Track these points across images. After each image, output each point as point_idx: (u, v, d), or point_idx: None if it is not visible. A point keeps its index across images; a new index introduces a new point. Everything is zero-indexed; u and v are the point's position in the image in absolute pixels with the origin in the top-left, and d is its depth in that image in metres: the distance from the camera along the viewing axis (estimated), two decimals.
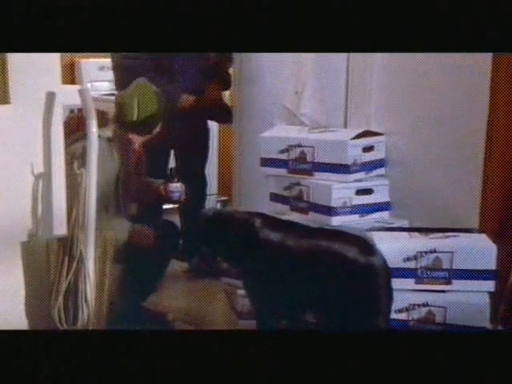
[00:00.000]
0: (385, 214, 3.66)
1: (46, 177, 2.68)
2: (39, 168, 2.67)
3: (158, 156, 4.33)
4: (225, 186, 5.15)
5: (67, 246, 2.73)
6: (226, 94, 4.72)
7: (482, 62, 3.27)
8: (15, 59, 2.52)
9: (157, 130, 3.63)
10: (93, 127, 2.66)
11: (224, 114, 4.47)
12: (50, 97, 2.63)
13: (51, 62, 2.66)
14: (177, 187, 3.77)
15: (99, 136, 2.79)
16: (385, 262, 2.76)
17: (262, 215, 2.98)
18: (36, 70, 2.61)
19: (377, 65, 3.75)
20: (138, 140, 3.61)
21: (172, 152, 4.55)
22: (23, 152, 2.64)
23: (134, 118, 3.46)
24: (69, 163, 2.73)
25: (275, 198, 3.79)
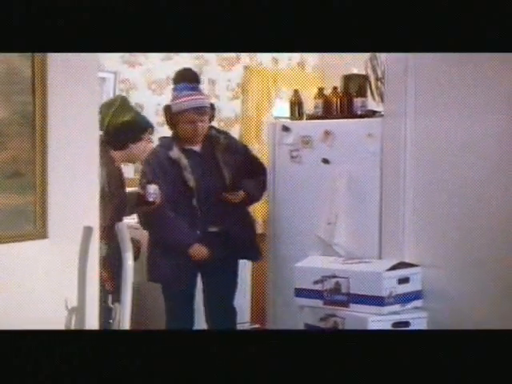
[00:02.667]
0: None
1: (79, 311, 2.67)
2: (73, 302, 2.67)
3: (186, 275, 4.22)
4: (258, 313, 5.11)
5: None
6: None
7: None
8: (54, 194, 2.57)
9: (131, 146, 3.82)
10: (129, 260, 2.67)
11: (253, 252, 4.40)
12: (87, 231, 2.65)
13: (89, 195, 2.71)
14: (154, 189, 3.92)
15: None
16: None
17: None
18: (74, 205, 2.65)
19: (409, 196, 3.80)
20: (115, 155, 3.79)
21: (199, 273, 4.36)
22: (58, 286, 2.65)
23: (104, 126, 3.61)
24: (103, 297, 2.74)
25: (310, 328, 3.76)
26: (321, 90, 4.37)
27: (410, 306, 3.65)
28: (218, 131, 4.40)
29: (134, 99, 5.12)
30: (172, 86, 4.24)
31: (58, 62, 2.48)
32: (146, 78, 5.22)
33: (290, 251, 4.19)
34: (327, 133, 4.11)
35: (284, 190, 4.26)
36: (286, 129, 4.29)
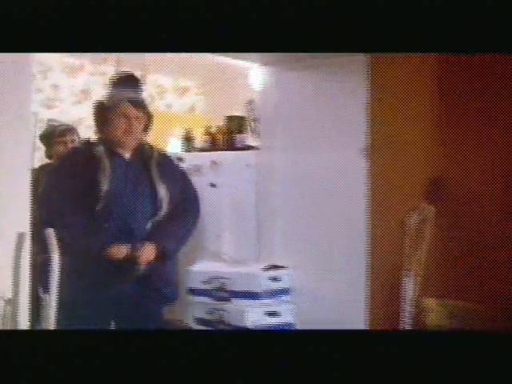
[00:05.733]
0: None
1: (13, 302, 2.73)
2: (8, 294, 2.73)
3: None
4: None
5: None
6: None
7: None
8: None
9: None
10: (55, 259, 2.77)
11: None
12: (20, 236, 2.70)
13: (22, 203, 2.73)
14: None
15: None
16: None
17: None
18: (8, 212, 2.67)
19: (279, 212, 4.18)
20: None
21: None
22: None
23: None
24: (35, 288, 2.87)
25: (199, 322, 4.02)
26: (208, 128, 4.68)
27: (280, 299, 3.94)
28: (152, 147, 3.45)
29: None
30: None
31: None
32: (60, 119, 5.45)
33: (185, 258, 4.27)
34: (213, 162, 4.39)
35: None
36: (180, 159, 4.46)
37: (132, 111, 3.25)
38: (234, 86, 5.06)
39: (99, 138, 3.32)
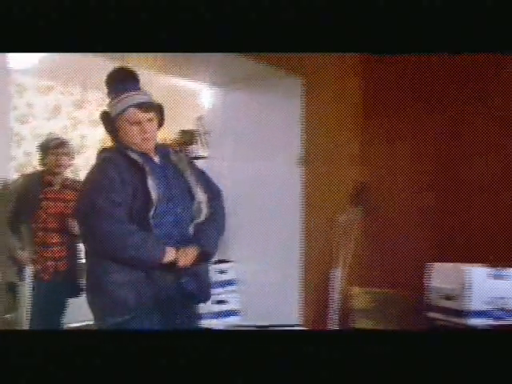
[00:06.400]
0: (236, 319, 3.92)
1: None
2: None
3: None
4: None
5: None
6: None
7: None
8: None
9: None
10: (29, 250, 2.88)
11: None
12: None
13: None
14: None
15: None
16: None
17: None
18: None
19: (226, 212, 4.19)
20: None
21: None
22: None
23: None
24: (11, 277, 2.94)
25: None
26: (163, 140, 4.61)
27: (227, 289, 3.94)
28: (178, 151, 2.98)
29: (23, 149, 5.34)
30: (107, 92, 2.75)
31: None
32: (32, 132, 5.46)
33: None
34: None
35: None
36: None
37: (141, 115, 2.66)
38: (186, 104, 5.03)
39: (117, 144, 2.72)
